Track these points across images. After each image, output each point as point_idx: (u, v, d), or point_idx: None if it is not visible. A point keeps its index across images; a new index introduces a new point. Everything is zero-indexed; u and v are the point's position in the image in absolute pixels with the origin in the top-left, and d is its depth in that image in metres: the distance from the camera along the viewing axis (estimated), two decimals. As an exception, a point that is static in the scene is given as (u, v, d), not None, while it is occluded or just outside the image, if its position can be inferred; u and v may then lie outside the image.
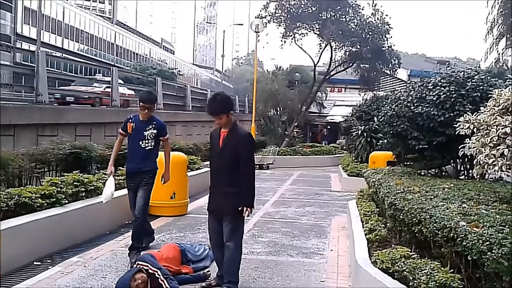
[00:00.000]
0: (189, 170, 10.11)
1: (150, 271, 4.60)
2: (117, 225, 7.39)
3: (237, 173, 4.53)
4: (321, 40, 25.78)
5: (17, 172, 7.16)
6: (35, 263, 5.51)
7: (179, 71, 54.73)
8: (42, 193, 6.09)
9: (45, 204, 6.04)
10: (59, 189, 6.45)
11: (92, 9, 67.05)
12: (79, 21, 53.88)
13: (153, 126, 5.82)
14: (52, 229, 5.94)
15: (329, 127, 34.97)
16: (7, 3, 41.79)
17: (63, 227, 6.16)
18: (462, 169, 7.70)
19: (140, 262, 4.71)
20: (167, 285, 4.55)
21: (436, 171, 7.96)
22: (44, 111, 11.03)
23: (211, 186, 4.77)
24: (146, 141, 5.76)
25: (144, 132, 5.76)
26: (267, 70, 42.87)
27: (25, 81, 15.01)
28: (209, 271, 5.23)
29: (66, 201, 6.45)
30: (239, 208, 4.52)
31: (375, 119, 14.54)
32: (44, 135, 10.31)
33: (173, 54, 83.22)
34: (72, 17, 52.63)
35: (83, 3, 66.48)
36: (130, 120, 5.89)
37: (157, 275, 4.59)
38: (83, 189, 6.92)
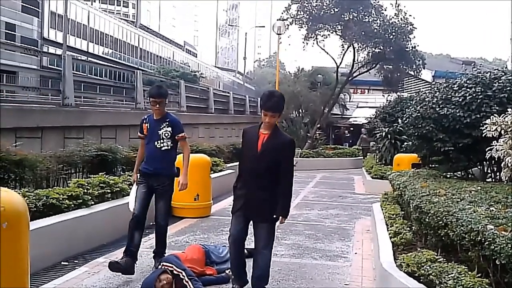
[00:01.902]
0: (212, 172, 10.17)
1: (175, 272, 4.66)
2: (142, 227, 7.46)
3: (274, 178, 4.27)
4: (343, 41, 25.65)
5: (44, 173, 7.31)
6: (62, 263, 5.63)
7: (201, 73, 55.11)
8: (69, 194, 6.22)
9: (72, 205, 6.17)
10: (85, 190, 6.57)
11: (116, 13, 67.97)
12: (103, 25, 54.73)
13: (167, 123, 5.42)
14: (78, 230, 6.05)
15: (351, 128, 34.72)
16: (34, 8, 42.72)
17: (90, 228, 6.27)
18: (489, 171, 7.56)
19: (165, 263, 4.77)
20: (191, 286, 4.60)
21: (462, 174, 7.84)
22: (70, 114, 11.22)
23: (241, 188, 4.45)
24: (162, 141, 5.38)
25: (159, 131, 5.39)
26: (289, 72, 42.82)
27: (51, 84, 15.27)
28: (231, 272, 5.24)
29: (92, 203, 6.57)
30: (274, 216, 4.35)
31: (400, 120, 14.39)
32: (71, 138, 10.49)
33: (196, 56, 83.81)
34: (97, 21, 53.50)
35: (107, 7, 67.50)
36: (144, 121, 5.58)
37: (181, 276, 4.64)
38: (108, 191, 7.03)
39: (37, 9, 43.25)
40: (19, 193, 4.74)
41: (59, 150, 8.53)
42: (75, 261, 5.75)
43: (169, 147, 5.42)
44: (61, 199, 6.00)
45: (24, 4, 41.82)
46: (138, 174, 5.57)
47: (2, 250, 2.93)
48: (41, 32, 44.02)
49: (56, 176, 7.66)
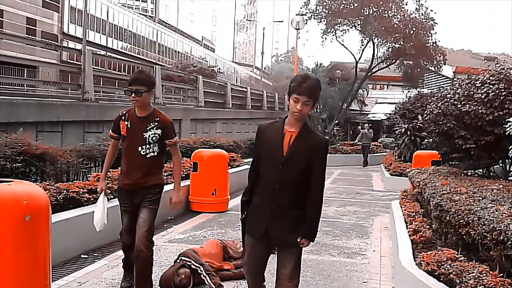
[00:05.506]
0: (229, 167, 10.18)
1: (193, 266, 4.69)
2: (160, 221, 7.52)
3: (302, 190, 3.17)
4: (363, 37, 25.49)
5: (65, 167, 7.41)
6: (82, 256, 5.71)
7: (219, 68, 55.14)
8: (89, 188, 6.31)
9: (92, 199, 6.22)
10: (105, 184, 6.62)
11: (135, 8, 68.39)
12: (122, 20, 55.14)
13: (156, 124, 4.17)
14: (98, 223, 6.10)
15: (370, 124, 34.49)
16: (55, 3, 43.22)
17: (109, 221, 6.28)
18: (511, 169, 7.43)
19: (183, 258, 4.81)
20: (209, 281, 4.62)
21: (484, 172, 7.72)
22: (90, 108, 11.34)
23: (260, 204, 3.23)
24: (148, 146, 4.16)
25: (144, 134, 4.14)
26: (306, 67, 42.69)
27: (72, 79, 15.44)
28: None
29: (112, 196, 6.60)
30: (299, 240, 3.18)
31: (420, 117, 14.21)
32: (90, 132, 10.62)
33: (213, 52, 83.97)
34: (116, 16, 53.92)
35: (126, 2, 67.92)
36: (122, 118, 4.28)
37: (199, 271, 4.67)
38: (127, 185, 7.06)
39: (58, 4, 43.70)
40: (40, 187, 4.80)
41: (79, 144, 8.64)
42: (95, 254, 5.82)
43: (156, 154, 4.22)
44: (81, 192, 6.09)
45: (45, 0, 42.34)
46: (102, 185, 4.53)
47: (24, 243, 2.97)
48: (61, 27, 44.51)
49: (76, 170, 7.75)
